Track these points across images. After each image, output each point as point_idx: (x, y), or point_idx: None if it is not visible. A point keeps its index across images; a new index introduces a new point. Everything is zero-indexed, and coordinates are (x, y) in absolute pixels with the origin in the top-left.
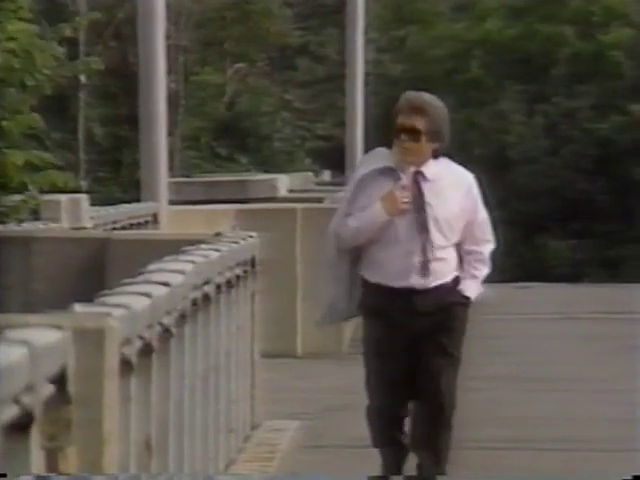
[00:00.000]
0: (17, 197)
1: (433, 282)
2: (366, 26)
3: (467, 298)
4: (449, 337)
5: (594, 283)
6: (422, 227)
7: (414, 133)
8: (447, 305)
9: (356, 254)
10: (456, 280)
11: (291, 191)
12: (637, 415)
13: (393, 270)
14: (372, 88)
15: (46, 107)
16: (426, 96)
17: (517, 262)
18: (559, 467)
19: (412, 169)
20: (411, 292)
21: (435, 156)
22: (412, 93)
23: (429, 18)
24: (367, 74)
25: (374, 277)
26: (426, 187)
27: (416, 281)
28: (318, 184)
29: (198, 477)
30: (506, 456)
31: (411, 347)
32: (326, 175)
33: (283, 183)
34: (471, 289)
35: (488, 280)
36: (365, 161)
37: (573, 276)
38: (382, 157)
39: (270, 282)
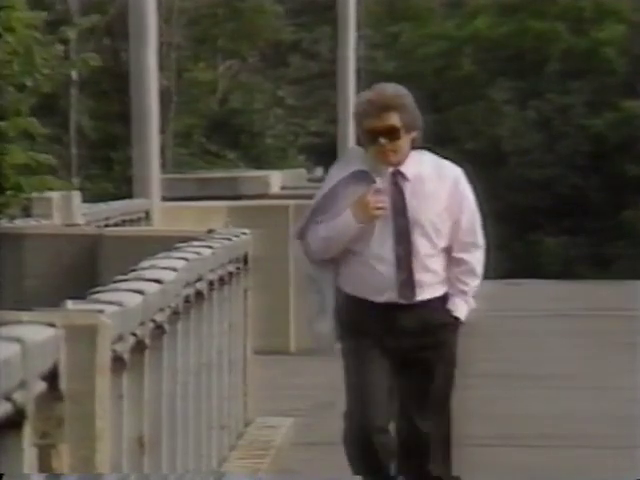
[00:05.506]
0: (7, 192)
1: (419, 296)
2: (358, 23)
3: (457, 319)
4: (438, 374)
5: (586, 280)
6: (404, 234)
7: (392, 132)
8: (434, 328)
9: (334, 263)
10: (444, 297)
11: (284, 188)
12: (631, 412)
13: (373, 283)
14: (364, 85)
15: (36, 103)
16: (389, 89)
17: (509, 258)
18: (551, 464)
19: (390, 169)
20: (393, 307)
21: (414, 147)
22: (375, 91)
23: (421, 15)
24: (359, 71)
25: (352, 290)
26: (407, 188)
27: (399, 295)
28: (311, 181)
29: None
30: (498, 453)
31: (395, 365)
32: (319, 172)
33: (275, 180)
34: (461, 308)
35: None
36: (339, 164)
37: (565, 273)
38: (356, 159)
39: (263, 279)
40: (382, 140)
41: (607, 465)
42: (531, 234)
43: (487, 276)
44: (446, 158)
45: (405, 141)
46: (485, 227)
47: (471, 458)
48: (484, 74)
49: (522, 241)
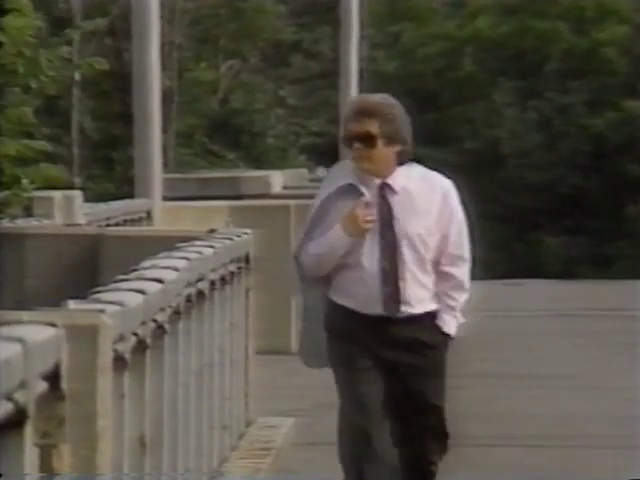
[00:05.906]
0: (7, 190)
1: (408, 309)
2: (360, 22)
3: (446, 335)
4: (429, 390)
5: (586, 280)
6: (391, 247)
7: (367, 139)
8: (424, 344)
9: (327, 277)
10: (434, 313)
11: (285, 188)
12: (631, 412)
13: (362, 296)
14: (366, 85)
15: (38, 103)
16: (376, 97)
17: (509, 258)
18: (551, 464)
19: (377, 182)
20: (382, 320)
21: (401, 162)
22: (359, 96)
23: (422, 15)
24: (361, 71)
25: (343, 301)
26: (395, 201)
27: (385, 309)
28: (312, 181)
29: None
30: (498, 453)
31: (385, 374)
32: (320, 172)
33: (277, 180)
34: (450, 324)
35: (481, 277)
36: (328, 179)
37: (565, 273)
38: (346, 172)
39: (264, 279)
40: (356, 144)
41: (607, 465)
42: (531, 234)
43: (487, 276)
44: (443, 164)
45: (384, 152)
46: (480, 230)
47: (471, 458)
48: (485, 74)
49: (522, 241)
